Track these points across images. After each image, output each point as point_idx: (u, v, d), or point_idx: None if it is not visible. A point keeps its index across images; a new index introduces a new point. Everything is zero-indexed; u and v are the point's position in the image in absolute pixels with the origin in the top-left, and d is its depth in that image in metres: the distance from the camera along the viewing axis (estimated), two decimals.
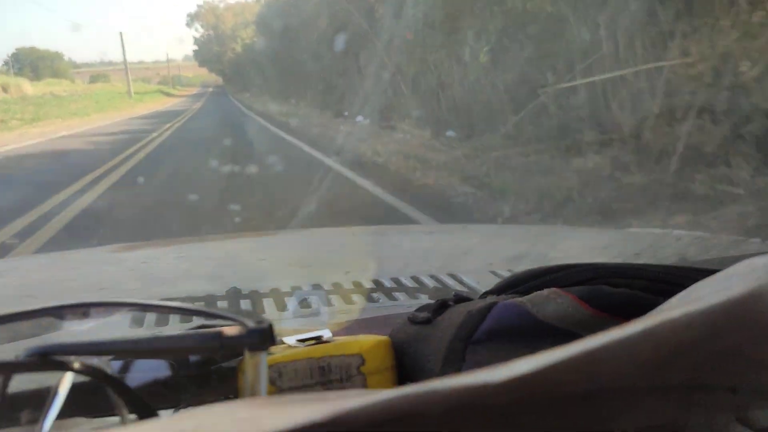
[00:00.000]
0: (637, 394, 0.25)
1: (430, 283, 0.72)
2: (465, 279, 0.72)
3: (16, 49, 52.83)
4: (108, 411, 0.37)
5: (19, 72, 46.38)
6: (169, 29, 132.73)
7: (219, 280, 0.77)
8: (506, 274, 0.69)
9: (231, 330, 0.31)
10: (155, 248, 1.12)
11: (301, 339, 0.42)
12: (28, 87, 27.73)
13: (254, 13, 34.60)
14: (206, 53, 47.50)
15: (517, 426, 0.24)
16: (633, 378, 0.23)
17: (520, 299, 0.38)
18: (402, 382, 0.42)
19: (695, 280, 0.34)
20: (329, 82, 12.74)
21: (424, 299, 0.65)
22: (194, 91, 55.11)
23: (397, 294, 0.68)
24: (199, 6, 49.44)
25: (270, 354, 0.39)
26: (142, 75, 67.87)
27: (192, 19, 49.50)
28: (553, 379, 0.22)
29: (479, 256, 0.89)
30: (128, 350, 0.33)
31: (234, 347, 0.32)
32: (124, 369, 0.39)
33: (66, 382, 0.32)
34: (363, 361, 0.40)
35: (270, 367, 0.38)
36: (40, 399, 0.33)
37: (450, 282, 0.72)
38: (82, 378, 0.33)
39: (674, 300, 0.31)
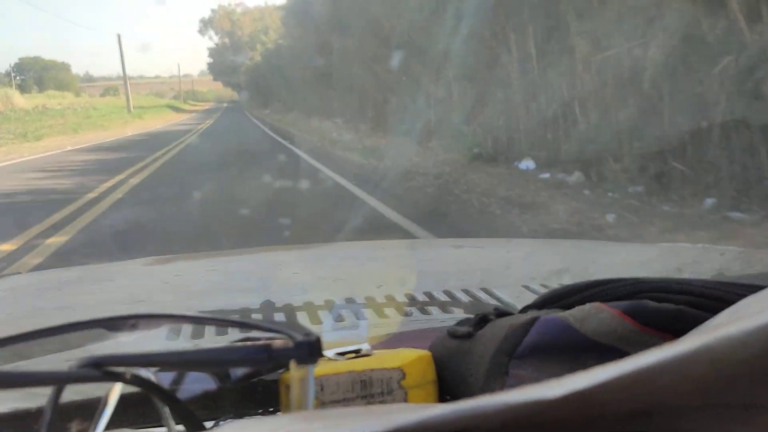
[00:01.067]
0: (692, 411, 0.24)
1: (464, 297, 0.72)
2: (498, 294, 0.72)
3: (20, 59, 51.36)
4: (153, 422, 0.38)
5: (22, 82, 44.68)
6: (186, 44, 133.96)
7: (252, 293, 0.78)
8: (540, 290, 0.69)
9: (279, 343, 0.32)
10: (187, 261, 1.14)
11: (341, 352, 0.43)
12: (20, 99, 26.26)
13: (276, 17, 31.39)
14: (221, 64, 45.51)
15: None
16: (689, 395, 0.23)
17: (562, 314, 0.38)
18: (442, 397, 0.42)
19: (741, 295, 0.35)
20: (423, 96, 8.06)
21: (459, 314, 0.65)
22: (207, 106, 54.07)
23: (430, 308, 0.68)
24: (213, 11, 47.04)
25: None
26: (156, 89, 68.36)
27: (205, 25, 46.50)
28: (609, 396, 0.22)
29: (517, 271, 0.89)
30: (180, 362, 0.34)
31: (281, 360, 0.32)
32: (169, 381, 0.39)
33: (115, 393, 0.33)
34: (404, 375, 0.40)
35: (300, 383, 0.39)
36: (88, 410, 0.34)
37: (483, 297, 0.72)
38: (129, 389, 0.33)
39: (723, 316, 0.31)
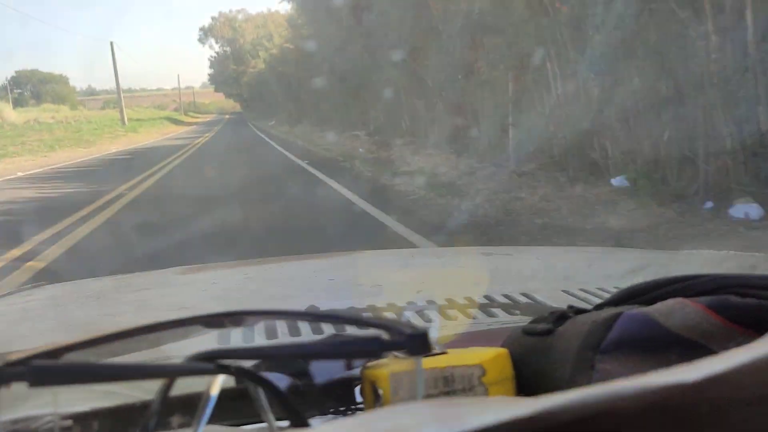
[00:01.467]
0: None
1: (505, 301, 0.72)
2: (538, 298, 0.72)
3: (17, 72, 49.79)
4: (250, 416, 0.39)
5: (20, 96, 43.45)
6: (189, 56, 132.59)
7: (294, 299, 0.80)
8: (579, 294, 0.72)
9: (388, 335, 0.33)
10: (221, 270, 1.13)
11: None
12: (11, 113, 24.44)
13: (281, 22, 28.97)
14: (222, 74, 43.19)
15: (702, 426, 0.24)
16: None
17: (645, 309, 0.38)
18: (520, 393, 0.42)
19: None
20: (498, 98, 5.84)
21: (503, 317, 0.66)
22: (208, 118, 53.02)
23: (473, 311, 0.69)
24: (213, 18, 44.28)
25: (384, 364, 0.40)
26: (158, 102, 67.30)
27: (205, 33, 44.12)
28: (742, 380, 0.22)
29: (570, 276, 0.89)
30: (294, 354, 0.35)
31: (392, 351, 0.33)
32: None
33: (217, 386, 0.33)
34: (484, 372, 0.41)
35: (394, 376, 0.39)
36: (187, 404, 0.35)
37: (525, 301, 0.72)
38: (226, 384, 0.34)
39: None
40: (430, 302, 0.72)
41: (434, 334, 0.52)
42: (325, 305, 0.71)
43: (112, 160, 13.62)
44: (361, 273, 0.99)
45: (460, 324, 0.63)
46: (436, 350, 0.42)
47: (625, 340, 0.37)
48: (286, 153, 11.53)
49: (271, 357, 0.35)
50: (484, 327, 0.61)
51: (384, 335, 0.32)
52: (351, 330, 0.39)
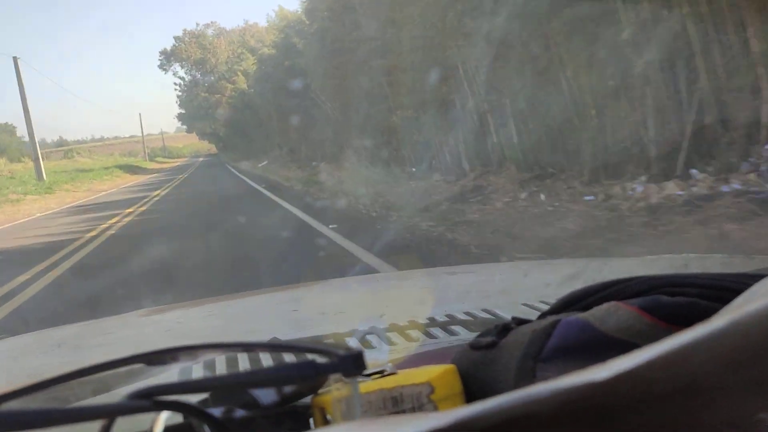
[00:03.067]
0: (724, 389, 0.25)
1: (466, 319, 0.72)
2: (499, 313, 0.73)
3: None
4: None
5: None
6: (163, 104, 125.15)
7: (257, 332, 0.79)
8: (541, 306, 0.72)
9: (323, 359, 0.33)
10: (184, 309, 1.12)
11: (367, 373, 0.42)
12: None
13: (260, 38, 22.71)
14: (191, 106, 33.59)
15: (618, 423, 0.25)
16: (721, 374, 0.24)
17: (582, 315, 0.39)
18: None
19: (747, 285, 0.35)
20: None
21: (464, 334, 0.66)
22: (178, 162, 45.87)
23: (433, 330, 0.69)
24: (176, 38, 34.25)
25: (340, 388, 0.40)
26: (130, 149, 65.77)
27: (167, 58, 34.31)
28: (652, 375, 0.23)
29: (515, 291, 0.90)
30: (229, 385, 0.34)
31: (326, 375, 0.34)
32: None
33: (161, 423, 0.33)
34: (433, 389, 0.41)
35: (338, 400, 0.39)
36: None
37: (485, 317, 0.72)
38: (171, 422, 0.33)
39: (740, 300, 0.31)
40: (393, 325, 0.72)
41: (384, 356, 0.57)
42: (288, 336, 0.71)
43: None
44: (325, 302, 0.99)
45: (421, 344, 0.64)
46: (387, 371, 0.42)
47: (564, 347, 0.38)
48: None
49: (207, 389, 0.35)
50: (445, 345, 0.61)
51: (320, 359, 0.32)
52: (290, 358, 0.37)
